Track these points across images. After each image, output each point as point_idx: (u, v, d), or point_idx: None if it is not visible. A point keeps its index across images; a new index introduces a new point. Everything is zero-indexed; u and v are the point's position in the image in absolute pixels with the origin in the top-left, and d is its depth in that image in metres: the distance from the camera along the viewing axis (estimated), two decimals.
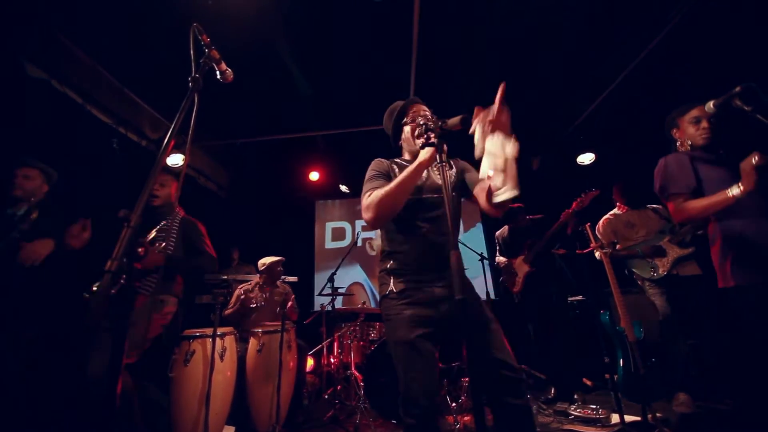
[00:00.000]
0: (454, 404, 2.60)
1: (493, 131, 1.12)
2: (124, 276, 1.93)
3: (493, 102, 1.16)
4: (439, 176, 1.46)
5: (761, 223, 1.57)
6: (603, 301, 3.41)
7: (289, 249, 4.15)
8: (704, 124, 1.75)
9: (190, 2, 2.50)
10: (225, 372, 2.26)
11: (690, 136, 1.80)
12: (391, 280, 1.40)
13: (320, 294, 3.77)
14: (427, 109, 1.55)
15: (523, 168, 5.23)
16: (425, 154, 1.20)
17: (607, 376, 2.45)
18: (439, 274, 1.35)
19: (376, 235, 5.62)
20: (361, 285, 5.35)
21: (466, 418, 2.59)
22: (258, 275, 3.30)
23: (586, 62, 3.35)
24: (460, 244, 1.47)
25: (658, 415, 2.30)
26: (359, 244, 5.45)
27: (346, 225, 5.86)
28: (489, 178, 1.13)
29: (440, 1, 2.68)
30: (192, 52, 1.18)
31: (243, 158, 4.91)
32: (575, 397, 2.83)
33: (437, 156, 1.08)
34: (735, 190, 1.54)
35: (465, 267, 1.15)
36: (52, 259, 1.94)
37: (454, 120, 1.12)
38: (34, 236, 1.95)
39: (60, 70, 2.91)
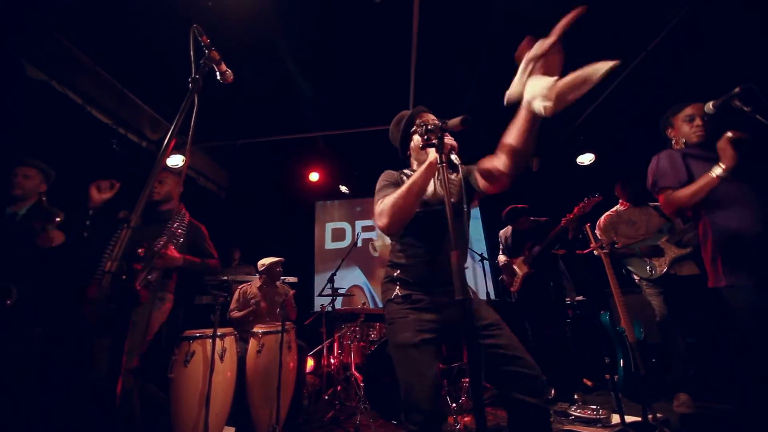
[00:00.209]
0: (454, 405, 2.59)
1: (540, 71, 0.95)
2: (125, 276, 1.94)
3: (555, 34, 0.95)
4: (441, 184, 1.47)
5: (748, 215, 1.56)
6: (603, 301, 3.42)
7: (289, 249, 4.15)
8: (698, 121, 1.74)
9: (189, 3, 2.50)
10: (225, 373, 2.26)
11: (684, 134, 1.80)
12: (397, 287, 1.39)
13: (320, 294, 3.77)
14: (434, 117, 1.50)
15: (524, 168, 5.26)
16: (433, 154, 1.18)
17: (607, 376, 2.45)
18: (446, 288, 1.33)
19: (377, 235, 5.62)
20: (361, 288, 5.34)
21: (466, 419, 2.58)
22: (258, 276, 3.30)
23: (586, 62, 3.35)
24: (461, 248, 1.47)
25: (658, 415, 2.30)
26: (359, 244, 5.45)
27: (346, 225, 5.86)
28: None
29: (440, 1, 2.68)
30: (192, 53, 1.18)
31: (243, 159, 4.91)
32: (575, 397, 2.83)
33: (438, 156, 1.08)
34: (717, 170, 1.56)
35: (465, 266, 1.15)
36: (56, 258, 1.94)
37: (455, 121, 1.11)
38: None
39: (60, 71, 2.91)
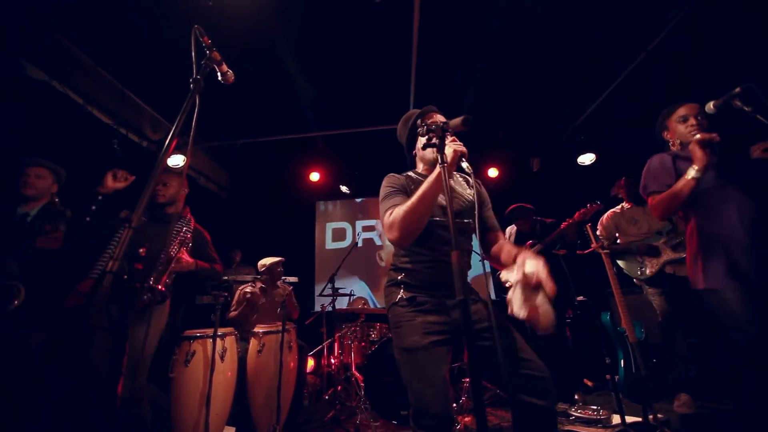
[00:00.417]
0: (454, 405, 2.60)
1: (530, 288, 1.06)
2: (126, 276, 1.94)
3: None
4: (458, 196, 1.45)
5: (733, 218, 1.56)
6: (604, 301, 3.42)
7: (290, 250, 4.15)
8: (692, 121, 1.73)
9: (190, 3, 2.50)
10: (225, 372, 2.26)
11: (680, 135, 1.79)
12: (401, 290, 1.37)
13: (321, 294, 3.77)
14: (443, 118, 1.44)
15: (524, 169, 5.26)
16: (447, 156, 1.12)
17: (608, 376, 2.45)
18: (452, 291, 1.31)
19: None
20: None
21: (467, 419, 2.59)
22: (259, 276, 3.29)
23: (586, 62, 3.36)
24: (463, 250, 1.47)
25: (659, 415, 2.30)
26: (360, 244, 5.44)
27: (347, 226, 5.86)
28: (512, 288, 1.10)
29: (440, 0, 2.68)
30: (193, 53, 1.18)
31: (244, 159, 4.91)
32: (576, 397, 2.83)
33: (438, 156, 1.06)
34: (692, 172, 1.57)
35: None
36: (62, 260, 1.94)
37: (456, 121, 1.11)
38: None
39: (60, 71, 2.92)
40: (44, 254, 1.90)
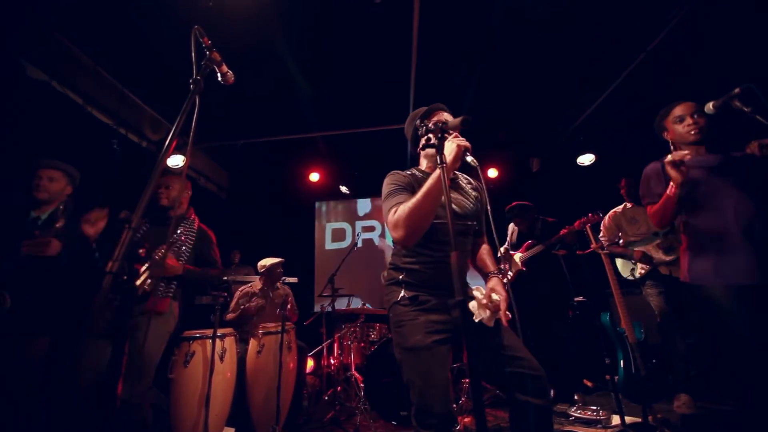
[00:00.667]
0: (454, 405, 2.59)
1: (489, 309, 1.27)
2: (125, 277, 1.93)
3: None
4: (461, 197, 1.46)
5: (724, 216, 1.58)
6: (603, 301, 3.42)
7: (289, 250, 4.15)
8: (688, 120, 1.73)
9: (190, 3, 2.50)
10: (225, 373, 2.26)
11: (679, 135, 1.78)
12: (402, 290, 1.36)
13: (320, 295, 3.77)
14: (450, 116, 1.43)
15: (523, 169, 5.26)
16: (449, 155, 1.13)
17: (607, 377, 2.45)
18: (453, 292, 1.32)
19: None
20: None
21: (466, 420, 2.58)
22: (258, 277, 3.29)
23: (586, 62, 3.36)
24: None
25: (658, 416, 2.30)
26: (359, 245, 5.43)
27: (346, 226, 5.85)
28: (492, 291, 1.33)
29: (440, 1, 2.68)
30: (193, 54, 1.18)
31: (243, 159, 4.91)
32: (575, 398, 2.83)
33: (438, 157, 1.06)
34: (670, 189, 1.64)
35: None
36: (62, 265, 1.92)
37: (455, 121, 1.11)
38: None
39: (60, 72, 2.91)
40: (40, 260, 1.84)
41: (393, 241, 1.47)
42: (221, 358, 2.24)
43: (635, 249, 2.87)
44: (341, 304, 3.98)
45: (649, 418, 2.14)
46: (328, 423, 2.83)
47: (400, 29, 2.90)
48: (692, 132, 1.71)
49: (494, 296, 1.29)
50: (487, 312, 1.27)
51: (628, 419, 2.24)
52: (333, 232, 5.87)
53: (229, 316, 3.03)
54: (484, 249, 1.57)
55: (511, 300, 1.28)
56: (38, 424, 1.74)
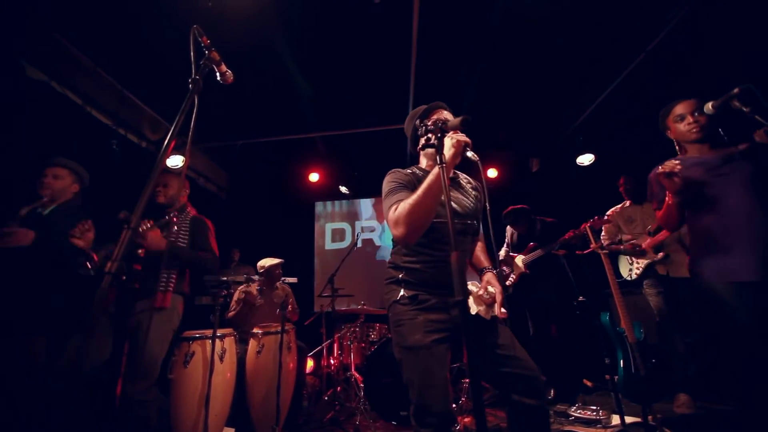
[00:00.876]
0: (454, 405, 2.59)
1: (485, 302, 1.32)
2: (124, 276, 1.93)
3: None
4: (461, 196, 1.45)
5: (730, 213, 1.57)
6: (603, 301, 3.42)
7: (289, 250, 4.15)
8: (689, 119, 1.72)
9: (190, 4, 2.50)
10: (225, 373, 2.26)
11: (680, 134, 1.78)
12: (402, 289, 1.35)
13: (320, 295, 3.77)
14: (450, 115, 1.44)
15: (523, 169, 5.25)
16: (448, 151, 1.13)
17: (607, 377, 2.45)
18: (452, 289, 1.32)
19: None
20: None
21: (466, 420, 2.58)
22: (257, 277, 3.29)
23: (586, 62, 3.36)
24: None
25: (658, 416, 2.30)
26: (359, 245, 5.44)
27: (346, 226, 5.85)
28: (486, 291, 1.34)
29: (440, 1, 2.68)
30: (192, 53, 1.17)
31: (243, 159, 4.91)
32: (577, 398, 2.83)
33: (437, 157, 1.06)
34: (668, 197, 1.67)
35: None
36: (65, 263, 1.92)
37: (455, 121, 1.10)
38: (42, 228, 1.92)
39: (60, 72, 2.91)
40: (27, 255, 1.82)
41: (393, 240, 1.47)
42: (221, 359, 2.23)
43: (626, 245, 2.90)
44: (341, 304, 3.98)
45: (649, 417, 2.14)
46: (327, 423, 2.83)
47: (400, 29, 2.89)
48: (693, 130, 1.70)
49: (490, 288, 1.31)
50: (483, 305, 1.29)
51: (627, 419, 2.24)
52: (333, 232, 5.87)
53: (231, 313, 3.03)
54: (479, 246, 1.58)
55: (507, 302, 1.29)
56: (38, 423, 1.74)
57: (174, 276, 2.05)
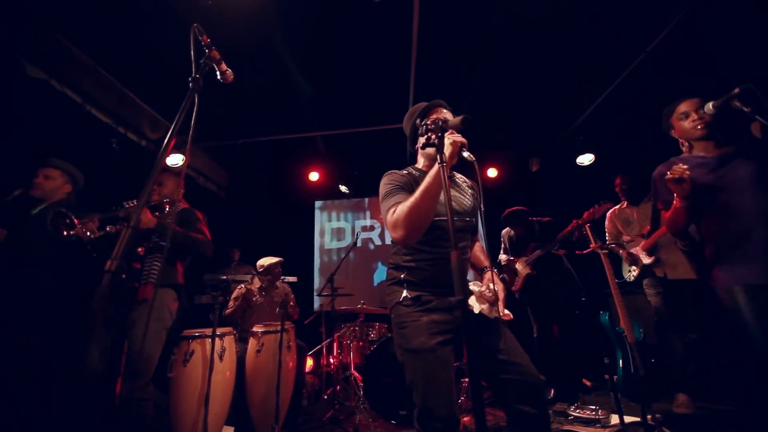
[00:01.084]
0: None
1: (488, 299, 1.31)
2: (124, 275, 1.93)
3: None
4: (459, 194, 1.45)
5: (743, 210, 1.53)
6: (603, 301, 3.43)
7: (289, 249, 4.15)
8: (693, 116, 1.69)
9: (190, 3, 2.49)
10: (224, 372, 2.26)
11: (685, 132, 1.75)
12: (404, 289, 1.34)
13: (320, 294, 3.77)
14: (450, 114, 1.43)
15: (523, 169, 5.25)
16: (446, 151, 1.11)
17: (606, 376, 2.45)
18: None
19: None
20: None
21: (465, 419, 2.59)
22: (257, 276, 3.29)
23: (586, 62, 3.36)
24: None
25: (657, 416, 2.30)
26: (359, 244, 5.44)
27: (346, 225, 5.86)
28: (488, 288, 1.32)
29: (440, 1, 2.68)
30: (192, 52, 1.17)
31: (243, 158, 4.91)
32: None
33: (438, 156, 1.05)
34: (676, 201, 1.62)
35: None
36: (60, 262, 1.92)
37: (455, 120, 1.10)
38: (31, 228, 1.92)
39: (60, 70, 2.91)
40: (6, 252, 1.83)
41: (392, 241, 1.46)
42: (221, 357, 2.24)
43: (622, 251, 2.93)
44: (341, 303, 3.98)
45: (648, 417, 2.14)
46: (327, 422, 2.83)
47: (400, 28, 2.89)
48: (698, 127, 1.67)
49: (492, 286, 1.31)
50: (486, 303, 1.28)
51: (627, 419, 2.25)
52: (332, 232, 5.87)
53: (229, 310, 3.03)
54: (478, 246, 1.58)
55: (511, 304, 1.27)
56: (36, 419, 1.74)
57: (157, 264, 1.97)
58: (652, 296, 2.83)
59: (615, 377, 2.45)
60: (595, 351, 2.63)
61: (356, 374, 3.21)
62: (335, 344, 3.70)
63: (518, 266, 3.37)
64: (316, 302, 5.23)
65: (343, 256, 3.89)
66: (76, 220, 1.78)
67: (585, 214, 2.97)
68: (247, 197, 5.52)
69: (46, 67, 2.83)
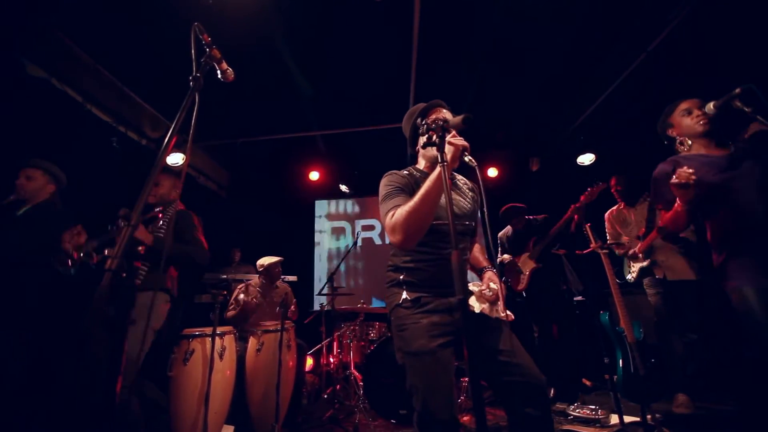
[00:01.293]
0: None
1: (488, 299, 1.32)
2: (124, 274, 1.92)
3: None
4: (459, 197, 1.44)
5: (746, 209, 1.52)
6: (603, 301, 3.43)
7: (289, 249, 4.15)
8: (696, 112, 1.69)
9: (190, 2, 2.49)
10: (224, 371, 2.26)
11: (687, 127, 1.73)
12: (404, 291, 1.33)
13: (320, 293, 3.77)
14: (450, 114, 1.41)
15: (523, 169, 5.26)
16: (447, 154, 1.09)
17: (606, 376, 2.46)
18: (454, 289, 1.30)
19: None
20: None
21: (465, 418, 2.59)
22: (257, 275, 3.29)
23: (586, 62, 3.36)
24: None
25: (657, 415, 2.31)
26: (359, 244, 5.45)
27: (346, 225, 5.86)
28: (487, 288, 1.33)
29: (440, 1, 2.68)
30: (193, 51, 1.17)
31: (243, 158, 4.91)
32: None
33: (439, 156, 1.03)
34: (678, 204, 1.61)
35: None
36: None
37: (456, 120, 1.09)
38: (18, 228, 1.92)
39: (60, 69, 2.91)
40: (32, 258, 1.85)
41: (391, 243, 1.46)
42: (221, 356, 2.24)
43: (621, 250, 2.92)
44: (341, 302, 3.98)
45: (648, 417, 2.14)
46: (327, 421, 2.84)
47: (401, 28, 2.89)
48: (701, 122, 1.67)
49: (492, 285, 1.32)
50: (486, 303, 1.29)
51: (626, 418, 2.25)
52: (332, 231, 5.87)
53: (230, 313, 3.03)
54: (477, 247, 1.57)
55: (512, 306, 1.27)
56: (35, 419, 1.74)
57: (145, 269, 1.98)
58: (652, 296, 2.83)
59: (615, 377, 2.45)
60: (595, 351, 2.64)
61: (356, 373, 3.21)
62: (335, 343, 3.70)
63: (521, 264, 3.36)
64: (316, 302, 5.24)
65: (343, 255, 3.88)
66: (74, 254, 1.86)
67: (582, 197, 2.99)
68: (247, 196, 5.53)
69: (47, 66, 2.83)
